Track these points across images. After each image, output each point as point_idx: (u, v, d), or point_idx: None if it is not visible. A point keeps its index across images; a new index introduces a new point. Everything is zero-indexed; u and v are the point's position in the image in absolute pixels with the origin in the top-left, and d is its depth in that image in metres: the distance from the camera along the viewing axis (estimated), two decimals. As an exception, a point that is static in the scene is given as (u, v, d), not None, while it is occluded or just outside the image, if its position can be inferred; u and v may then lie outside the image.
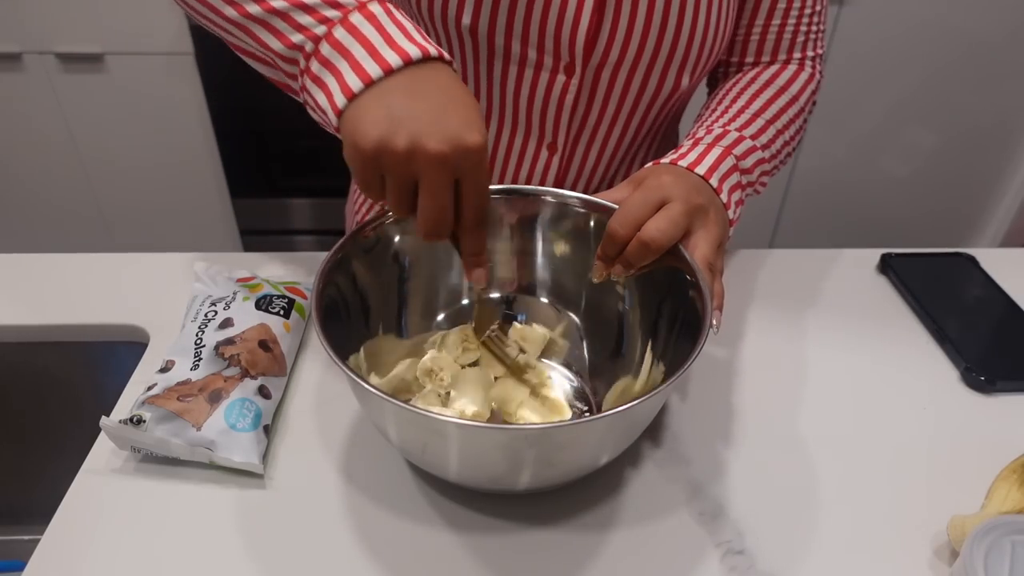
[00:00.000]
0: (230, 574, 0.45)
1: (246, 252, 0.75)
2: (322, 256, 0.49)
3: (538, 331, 0.59)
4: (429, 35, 0.62)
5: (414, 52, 0.43)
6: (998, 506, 0.48)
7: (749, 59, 0.69)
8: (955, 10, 1.51)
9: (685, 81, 0.64)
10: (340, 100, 0.42)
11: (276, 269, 0.69)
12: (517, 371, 0.55)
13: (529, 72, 0.62)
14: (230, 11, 0.47)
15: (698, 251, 0.50)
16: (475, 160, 0.42)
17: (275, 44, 0.46)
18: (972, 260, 0.74)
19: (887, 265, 0.73)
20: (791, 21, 0.67)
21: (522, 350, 0.56)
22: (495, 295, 0.60)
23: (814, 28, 0.69)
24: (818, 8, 0.68)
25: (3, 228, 1.68)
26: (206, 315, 0.57)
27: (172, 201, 1.65)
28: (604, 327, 0.58)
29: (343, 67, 0.43)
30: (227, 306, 0.58)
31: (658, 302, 0.53)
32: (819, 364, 0.62)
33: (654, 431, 0.55)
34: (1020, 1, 1.51)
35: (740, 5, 0.67)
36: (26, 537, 0.75)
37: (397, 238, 0.54)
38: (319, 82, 0.44)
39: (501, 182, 0.69)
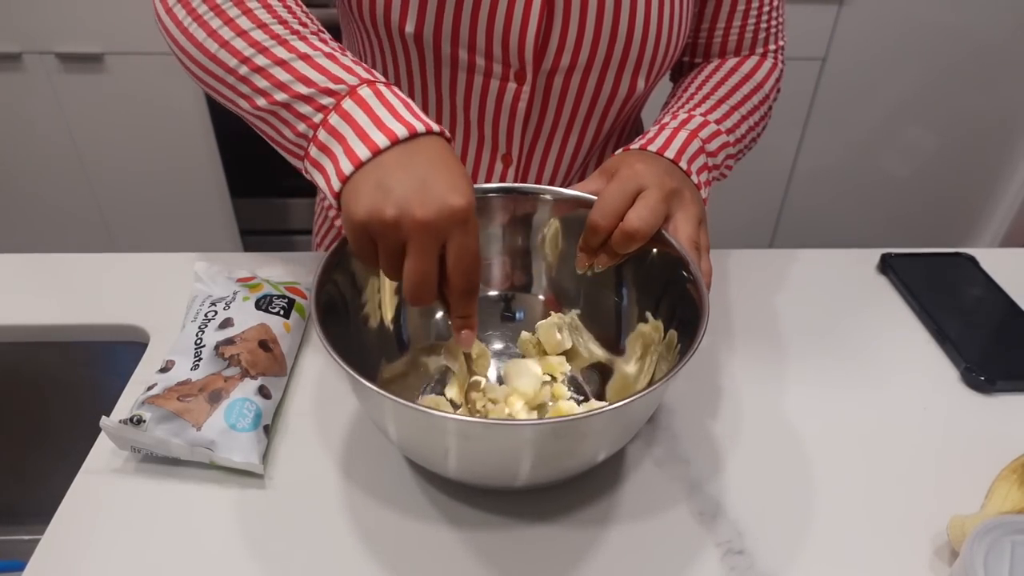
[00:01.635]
0: (230, 574, 0.45)
1: (246, 252, 0.75)
2: (322, 256, 0.49)
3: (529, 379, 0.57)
4: (373, 44, 0.62)
5: (400, 132, 0.44)
6: (998, 506, 0.48)
7: (712, 60, 0.70)
8: (955, 10, 1.51)
9: (640, 84, 0.64)
10: (336, 184, 0.45)
11: (276, 269, 0.69)
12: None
13: (479, 80, 0.61)
14: (244, 105, 0.50)
15: (681, 232, 0.51)
16: (460, 222, 0.43)
17: (286, 133, 0.48)
18: (972, 260, 0.74)
19: (887, 265, 0.73)
20: (751, 21, 0.68)
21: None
22: (493, 293, 0.60)
23: (773, 24, 0.70)
24: (775, 3, 0.69)
25: (3, 228, 1.68)
26: (206, 315, 0.57)
27: (172, 201, 1.65)
28: (602, 323, 0.58)
29: (337, 152, 0.45)
30: (227, 306, 0.58)
31: (655, 298, 0.53)
32: (819, 364, 0.62)
33: (653, 430, 0.55)
34: (1020, 1, 1.51)
35: (700, 9, 0.67)
36: (26, 537, 0.75)
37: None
38: (318, 166, 0.47)
39: None
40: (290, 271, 0.69)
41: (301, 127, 0.47)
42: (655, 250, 0.52)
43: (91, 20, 1.39)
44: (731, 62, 0.68)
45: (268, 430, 0.52)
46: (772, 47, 0.70)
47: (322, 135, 0.46)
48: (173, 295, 0.65)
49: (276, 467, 0.51)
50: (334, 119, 0.46)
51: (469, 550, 0.46)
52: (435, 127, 0.46)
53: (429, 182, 0.43)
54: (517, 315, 0.61)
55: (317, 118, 0.46)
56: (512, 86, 0.61)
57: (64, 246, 1.69)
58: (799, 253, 0.76)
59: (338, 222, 0.77)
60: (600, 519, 0.49)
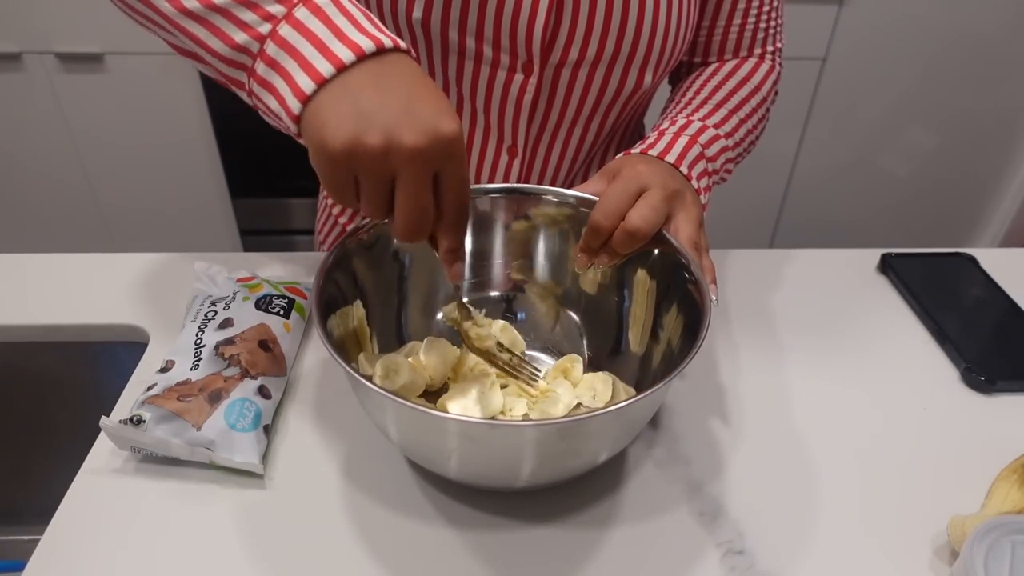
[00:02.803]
0: (230, 574, 0.45)
1: (246, 252, 0.75)
2: (322, 256, 0.49)
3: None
4: None
5: (367, 45, 0.39)
6: (998, 506, 0.48)
7: (712, 59, 0.71)
8: (955, 10, 1.51)
9: (648, 79, 0.63)
10: (294, 104, 0.39)
11: (276, 269, 0.69)
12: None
13: (486, 70, 0.61)
14: (166, 6, 0.43)
15: (682, 233, 0.51)
16: (453, 149, 0.39)
17: (216, 44, 0.42)
18: (972, 260, 0.74)
19: (887, 265, 0.73)
20: (750, 21, 0.68)
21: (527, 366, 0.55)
22: (495, 293, 0.60)
23: (772, 24, 0.70)
24: (774, 4, 0.69)
25: (3, 228, 1.68)
26: (206, 315, 0.57)
27: (172, 201, 1.65)
28: (604, 324, 0.58)
29: (292, 67, 0.40)
30: (227, 306, 0.58)
31: (657, 298, 0.53)
32: (819, 364, 0.62)
33: (653, 431, 0.55)
34: (1020, 1, 1.51)
35: (701, 7, 0.67)
36: (26, 537, 0.75)
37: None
38: (267, 85, 0.41)
39: None
40: (290, 271, 0.69)
41: (241, 37, 0.41)
42: (656, 250, 0.52)
43: (91, 20, 1.39)
44: (729, 65, 0.69)
45: (268, 430, 0.52)
46: (771, 48, 0.71)
47: (271, 48, 0.40)
48: (173, 295, 0.65)
49: (276, 467, 0.51)
50: (285, 30, 0.40)
51: (469, 551, 0.46)
52: (401, 43, 0.41)
53: (414, 105, 0.38)
54: (519, 315, 0.61)
55: (263, 28, 0.41)
56: (519, 77, 0.61)
57: (64, 246, 1.69)
58: (799, 253, 0.76)
59: (342, 219, 0.77)
60: (601, 519, 0.49)
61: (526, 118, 0.64)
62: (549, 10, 0.57)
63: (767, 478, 0.52)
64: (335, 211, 0.77)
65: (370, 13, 0.42)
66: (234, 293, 0.59)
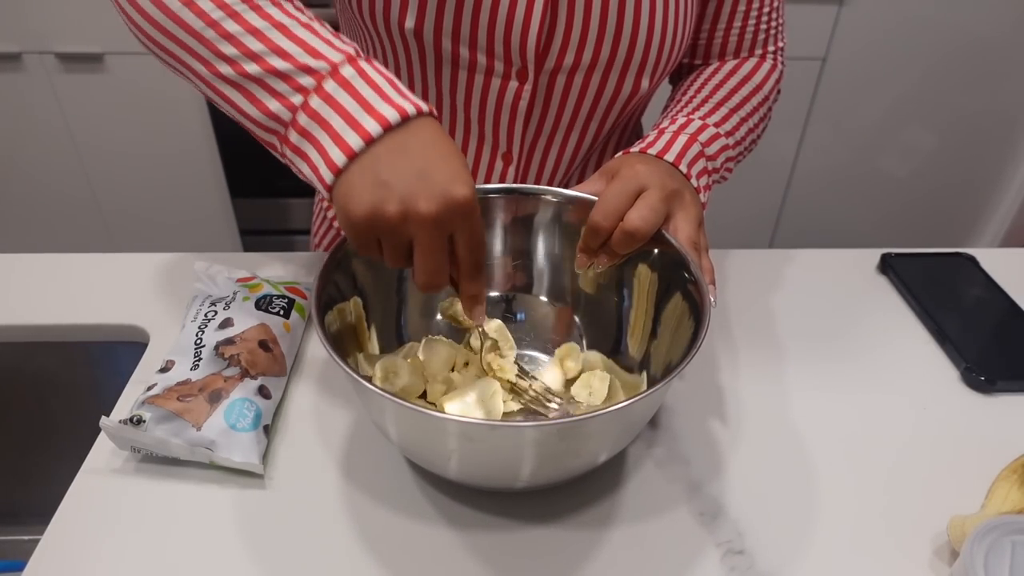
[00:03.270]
0: (230, 574, 0.45)
1: (246, 252, 0.75)
2: (322, 256, 0.49)
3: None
4: (373, 40, 0.61)
5: (392, 116, 0.42)
6: (998, 506, 0.48)
7: (712, 61, 0.70)
8: (955, 10, 1.51)
9: (644, 84, 0.63)
10: (327, 176, 0.42)
11: (276, 269, 0.69)
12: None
13: (480, 78, 0.61)
14: (202, 69, 0.46)
15: (681, 233, 0.51)
16: (466, 213, 0.42)
17: (251, 111, 0.45)
18: (972, 260, 0.74)
19: (887, 265, 0.73)
20: (751, 23, 0.68)
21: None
22: (494, 294, 0.60)
23: (773, 25, 0.69)
24: (775, 4, 0.69)
25: (3, 228, 1.68)
26: (206, 315, 0.57)
27: (172, 201, 1.65)
28: (603, 324, 0.58)
29: (324, 140, 0.42)
30: (227, 306, 0.58)
31: (657, 298, 0.53)
32: (819, 364, 0.62)
33: (653, 431, 0.55)
34: (1020, 0, 1.51)
35: (700, 10, 0.67)
36: (26, 537, 0.75)
37: None
38: (300, 153, 0.44)
39: None
40: (290, 271, 0.69)
41: (274, 106, 0.44)
42: (655, 250, 0.52)
43: (91, 20, 1.39)
44: (730, 64, 0.68)
45: (268, 430, 0.52)
46: (772, 48, 0.70)
47: (303, 119, 0.43)
48: (173, 295, 0.65)
49: (276, 467, 0.51)
50: (315, 103, 0.43)
51: (469, 551, 0.46)
52: (424, 107, 0.43)
53: (429, 173, 0.41)
54: (518, 316, 0.61)
55: (296, 99, 0.43)
56: (514, 84, 0.61)
57: (64, 246, 1.69)
58: (799, 253, 0.75)
59: (337, 222, 0.77)
60: (601, 520, 0.49)
61: (521, 125, 0.64)
62: (543, 16, 0.57)
63: (767, 478, 0.52)
64: (330, 214, 0.77)
65: (394, 78, 0.45)
66: (234, 293, 0.59)
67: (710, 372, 0.61)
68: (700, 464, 0.53)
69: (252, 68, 0.44)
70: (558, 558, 0.46)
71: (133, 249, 0.71)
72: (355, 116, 0.42)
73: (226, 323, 0.56)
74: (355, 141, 0.42)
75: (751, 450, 0.54)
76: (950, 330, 0.64)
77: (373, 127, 0.42)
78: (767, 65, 0.69)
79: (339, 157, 0.42)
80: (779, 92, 0.71)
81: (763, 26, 0.68)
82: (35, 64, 1.44)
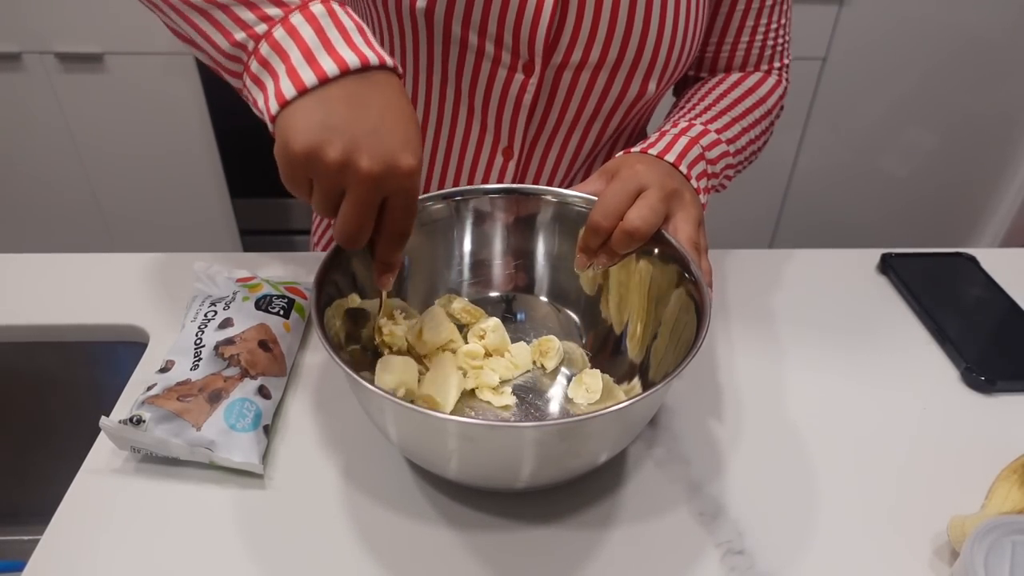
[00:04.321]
0: (230, 574, 0.45)
1: (246, 252, 0.75)
2: (322, 256, 0.49)
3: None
4: (382, 20, 0.61)
5: (352, 60, 0.41)
6: (998, 506, 0.48)
7: (719, 75, 0.70)
8: (955, 10, 1.51)
9: (651, 88, 0.63)
10: (273, 106, 0.41)
11: (276, 269, 0.69)
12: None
13: (486, 67, 0.60)
14: None
15: (681, 233, 0.51)
16: (406, 182, 0.41)
17: (218, 39, 0.44)
18: (972, 260, 0.74)
19: (887, 265, 0.73)
20: (758, 38, 0.68)
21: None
22: (495, 294, 0.60)
23: (780, 41, 0.69)
24: (783, 21, 0.68)
25: (3, 228, 1.68)
26: (206, 315, 0.57)
27: (172, 201, 1.65)
28: (603, 325, 0.58)
29: (280, 70, 0.42)
30: (227, 306, 0.58)
31: (656, 299, 0.53)
32: (819, 364, 0.62)
33: (654, 430, 0.55)
34: (1020, 0, 1.51)
35: (709, 24, 0.67)
36: (26, 537, 0.75)
37: None
38: (258, 82, 0.43)
39: (456, 186, 0.66)
40: (290, 271, 0.69)
41: (239, 35, 0.43)
42: (655, 250, 0.52)
43: (91, 20, 1.39)
44: (735, 76, 0.68)
45: (268, 430, 0.52)
46: (777, 64, 0.70)
47: (264, 49, 0.42)
48: (173, 295, 0.65)
49: (276, 467, 0.51)
50: (279, 33, 0.42)
51: (469, 551, 0.46)
52: (388, 60, 0.42)
53: (380, 132, 0.40)
54: (518, 316, 0.61)
55: (260, 28, 0.42)
56: (519, 77, 0.61)
57: (64, 246, 1.69)
58: (799, 253, 0.75)
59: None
60: (601, 520, 0.49)
61: (524, 119, 0.63)
62: (554, 10, 0.57)
63: (767, 478, 0.52)
64: None
65: (364, 27, 0.43)
66: (234, 293, 0.59)
67: (710, 372, 0.61)
68: (700, 464, 0.53)
69: None
70: (558, 558, 0.46)
71: (133, 249, 0.71)
72: (314, 52, 0.41)
73: (226, 323, 0.56)
74: (309, 77, 0.41)
75: (751, 450, 0.54)
76: (950, 330, 0.64)
77: (330, 67, 0.41)
78: (772, 80, 0.69)
79: (289, 89, 0.41)
80: (782, 108, 0.71)
81: (770, 42, 0.68)
82: (35, 64, 1.44)
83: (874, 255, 0.75)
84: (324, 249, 0.78)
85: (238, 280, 0.62)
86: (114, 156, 1.57)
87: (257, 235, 1.76)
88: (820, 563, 0.46)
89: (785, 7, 0.68)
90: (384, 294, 0.52)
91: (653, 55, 0.60)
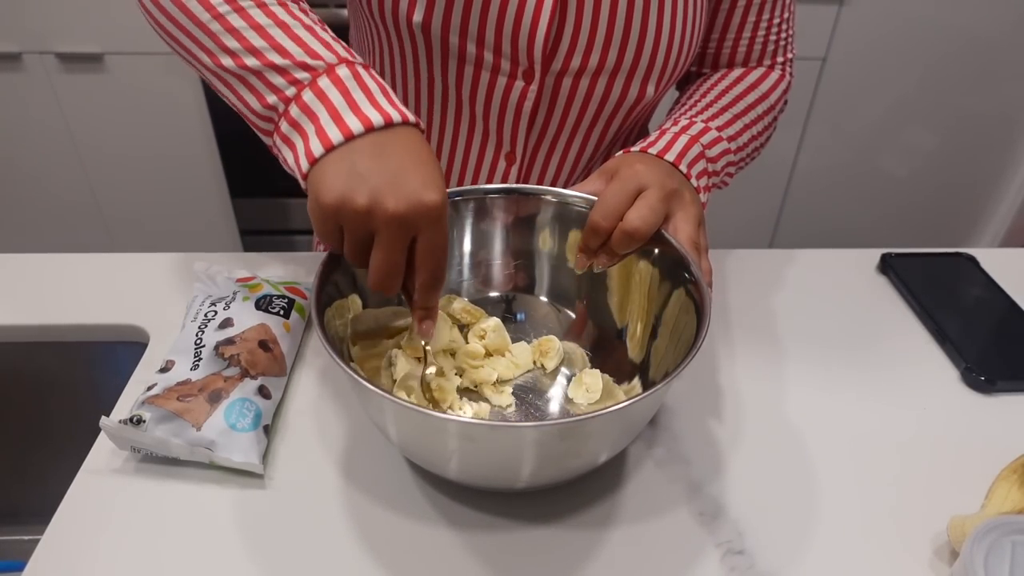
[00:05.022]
0: (230, 574, 0.45)
1: (246, 252, 0.75)
2: (322, 256, 0.49)
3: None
4: (380, 34, 0.62)
5: (376, 119, 0.43)
6: (998, 506, 0.48)
7: (721, 70, 0.70)
8: (955, 10, 1.51)
9: (651, 90, 0.63)
10: (304, 164, 0.44)
11: (276, 269, 0.69)
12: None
13: (486, 76, 0.61)
14: (206, 60, 0.48)
15: (681, 232, 0.51)
16: (432, 219, 0.43)
17: (252, 102, 0.47)
18: (972, 260, 0.74)
19: (887, 265, 0.73)
20: (760, 33, 0.67)
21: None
22: (495, 294, 0.60)
23: (783, 36, 0.69)
24: (786, 16, 0.68)
25: (3, 228, 1.68)
26: (206, 315, 0.57)
27: (172, 201, 1.65)
28: (603, 325, 0.58)
29: (309, 130, 0.44)
30: (227, 306, 0.58)
31: (656, 299, 0.53)
32: (819, 364, 0.62)
33: (654, 430, 0.55)
34: (1020, 0, 1.51)
35: (711, 20, 0.66)
36: (26, 537, 0.75)
37: None
38: (288, 142, 0.45)
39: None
40: (290, 271, 0.69)
41: (271, 99, 0.46)
42: (656, 250, 0.52)
43: (91, 20, 1.39)
44: (737, 71, 0.68)
45: (268, 430, 0.52)
46: (781, 59, 0.70)
47: (294, 111, 0.45)
48: (173, 295, 0.65)
49: (276, 467, 0.51)
50: (308, 96, 0.45)
51: (469, 551, 0.46)
52: (411, 117, 0.45)
53: (403, 175, 0.42)
54: (518, 316, 0.61)
55: (290, 92, 0.45)
56: (519, 84, 0.61)
57: (64, 246, 1.69)
58: (799, 253, 0.76)
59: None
60: (601, 520, 0.49)
61: (525, 125, 0.63)
62: (552, 17, 0.57)
63: (767, 478, 0.52)
64: None
65: (387, 88, 0.46)
66: (234, 293, 0.59)
67: (710, 372, 0.61)
68: (700, 464, 0.53)
69: (252, 62, 0.46)
70: (558, 558, 0.46)
71: (133, 249, 0.71)
72: (341, 112, 0.44)
73: (226, 323, 0.56)
74: (335, 135, 0.43)
75: (751, 450, 0.54)
76: (950, 330, 0.64)
77: (355, 125, 0.43)
78: (775, 75, 0.69)
79: (318, 148, 0.43)
80: (786, 103, 0.70)
81: (772, 37, 0.68)
82: (35, 64, 1.44)
83: (874, 255, 0.75)
84: (325, 249, 0.78)
85: (238, 280, 0.62)
86: (114, 156, 1.57)
87: (257, 235, 1.76)
88: (820, 563, 0.46)
89: (788, 1, 0.67)
90: (426, 349, 0.52)
91: (652, 58, 0.60)
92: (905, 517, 0.49)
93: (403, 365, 0.53)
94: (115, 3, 1.37)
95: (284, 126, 0.46)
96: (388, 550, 0.46)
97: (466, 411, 0.53)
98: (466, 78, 0.61)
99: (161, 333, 0.61)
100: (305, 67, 0.45)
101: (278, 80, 0.45)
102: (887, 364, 0.62)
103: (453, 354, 0.56)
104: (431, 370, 0.53)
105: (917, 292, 0.69)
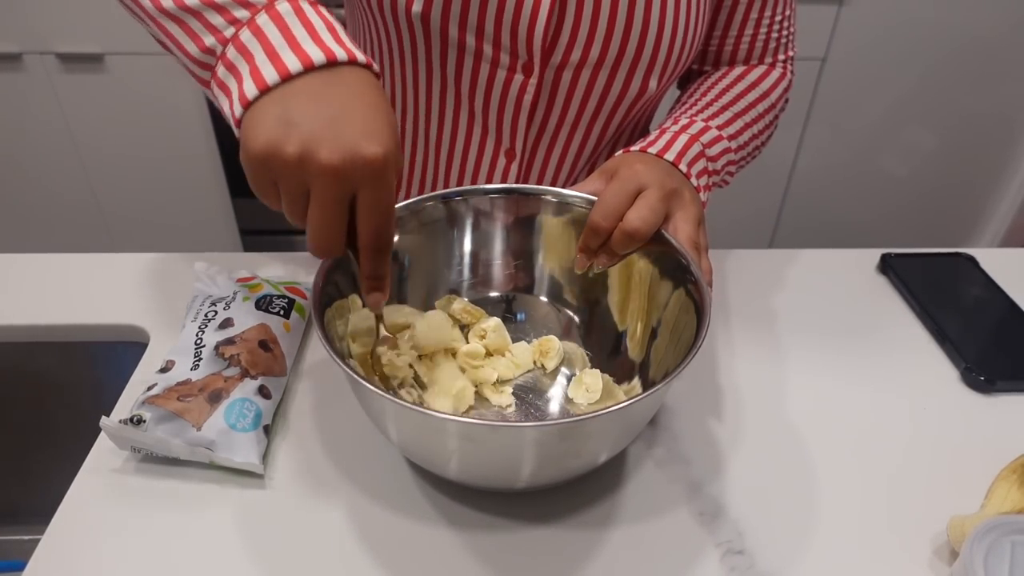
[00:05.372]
0: (230, 574, 0.45)
1: (246, 252, 0.75)
2: (322, 256, 0.49)
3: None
4: (379, 25, 0.60)
5: (317, 56, 0.39)
6: (998, 506, 0.48)
7: (722, 68, 0.70)
8: (955, 10, 1.51)
9: (652, 85, 0.63)
10: (238, 109, 0.39)
11: (276, 269, 0.69)
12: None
13: (485, 69, 0.60)
14: (147, 3, 0.44)
15: (681, 232, 0.51)
16: (373, 174, 0.38)
17: (190, 47, 0.43)
18: (972, 260, 0.74)
19: (887, 265, 0.73)
20: (762, 31, 0.67)
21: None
22: (494, 294, 0.60)
23: (784, 34, 0.69)
24: (787, 13, 0.68)
25: (3, 228, 1.68)
26: (206, 315, 0.57)
27: (172, 201, 1.65)
28: (603, 325, 0.58)
29: (243, 72, 0.40)
30: (227, 306, 0.58)
31: (656, 299, 0.53)
32: (819, 364, 0.62)
33: (654, 430, 0.55)
34: (1020, 1, 1.51)
35: (712, 18, 0.66)
36: (26, 537, 0.75)
37: (396, 237, 0.54)
38: (224, 88, 0.41)
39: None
40: (290, 271, 0.69)
41: (209, 40, 0.42)
42: (656, 250, 0.52)
43: (91, 20, 1.39)
44: (738, 70, 0.68)
45: (268, 430, 0.52)
46: (782, 57, 0.70)
47: (231, 52, 0.41)
48: (173, 295, 0.65)
49: (276, 467, 0.51)
50: (245, 35, 0.40)
51: (469, 551, 0.46)
52: (360, 57, 0.40)
53: (343, 121, 0.38)
54: (519, 316, 0.61)
55: (228, 32, 0.41)
56: (519, 78, 0.60)
57: (64, 246, 1.69)
58: (799, 253, 0.76)
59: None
60: (601, 520, 0.49)
61: (525, 120, 0.63)
62: (551, 10, 0.56)
63: (767, 478, 0.52)
64: None
65: (335, 24, 0.41)
66: (234, 293, 0.59)
67: (710, 372, 0.61)
68: (700, 464, 0.53)
69: (191, 1, 0.42)
70: (558, 558, 0.46)
71: (133, 249, 0.71)
72: (278, 50, 0.39)
73: (226, 323, 0.56)
74: (271, 75, 0.39)
75: (751, 450, 0.54)
76: (950, 330, 0.64)
77: (293, 63, 0.39)
78: (776, 73, 0.69)
79: (251, 90, 0.39)
80: (787, 101, 0.70)
81: (774, 35, 0.68)
82: (35, 64, 1.44)
83: (874, 255, 0.75)
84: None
85: (238, 280, 0.62)
86: (114, 156, 1.57)
87: (257, 235, 1.76)
88: (820, 563, 0.47)
89: None
90: (376, 317, 0.49)
91: (653, 52, 0.60)
92: (905, 517, 0.49)
93: (356, 319, 0.51)
94: (115, 3, 1.37)
95: (220, 70, 0.41)
96: (388, 550, 0.46)
97: (412, 395, 0.53)
98: (465, 71, 0.61)
99: (161, 333, 0.61)
100: (245, 4, 0.41)
101: (217, 19, 0.41)
102: (887, 364, 0.62)
103: (454, 354, 0.56)
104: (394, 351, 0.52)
105: (917, 292, 0.69)
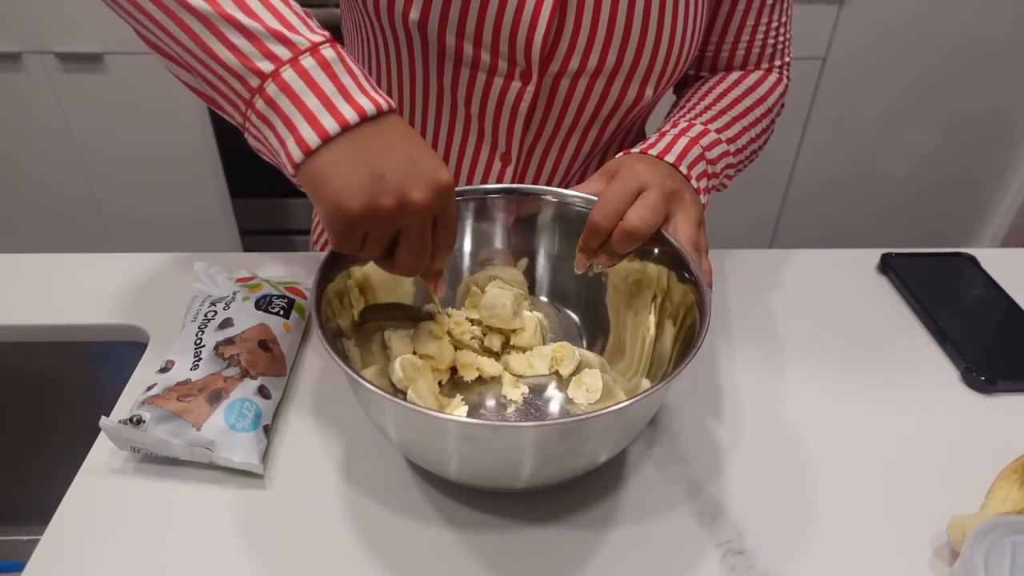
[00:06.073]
0: (230, 574, 0.45)
1: (246, 252, 0.75)
2: (322, 256, 0.49)
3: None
4: (376, 33, 0.61)
5: (369, 107, 0.41)
6: (998, 506, 0.48)
7: (719, 73, 0.70)
8: (955, 10, 1.51)
9: (648, 93, 0.63)
10: (296, 153, 0.41)
11: (276, 269, 0.69)
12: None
13: (482, 76, 0.60)
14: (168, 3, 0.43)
15: (681, 233, 0.51)
16: (449, 196, 0.43)
17: (225, 55, 0.41)
18: (972, 260, 0.74)
19: (887, 265, 0.73)
20: (759, 37, 0.67)
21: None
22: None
23: (780, 40, 0.69)
24: (783, 20, 0.68)
25: (3, 228, 1.68)
26: (206, 315, 0.57)
27: (172, 201, 1.65)
28: (604, 325, 0.58)
29: (296, 118, 0.41)
30: (227, 306, 0.58)
31: (657, 299, 0.53)
32: (819, 364, 0.62)
33: (654, 430, 0.55)
34: (1020, 1, 1.51)
35: (709, 23, 0.66)
36: (26, 537, 0.75)
37: None
38: (267, 122, 0.42)
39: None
40: (290, 271, 0.69)
41: (245, 63, 0.41)
42: (656, 250, 0.52)
43: (91, 20, 1.39)
44: (735, 75, 0.68)
45: (268, 430, 0.52)
46: (778, 62, 0.70)
47: (272, 89, 0.41)
48: (173, 295, 0.65)
49: (276, 467, 0.51)
50: (289, 75, 0.41)
51: (469, 551, 0.46)
52: (393, 103, 0.43)
53: (416, 162, 0.42)
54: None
55: (264, 65, 0.41)
56: (516, 85, 0.60)
57: (64, 246, 1.69)
58: (799, 253, 0.75)
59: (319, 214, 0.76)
60: (601, 520, 0.49)
61: (521, 126, 0.63)
62: (551, 18, 0.56)
63: (767, 478, 0.52)
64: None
65: (365, 72, 0.44)
66: (234, 293, 0.59)
67: (710, 372, 0.61)
68: (700, 464, 0.53)
69: (229, 8, 0.41)
70: (558, 558, 0.46)
71: (133, 249, 0.71)
72: (333, 100, 0.41)
73: (226, 323, 0.56)
74: (331, 125, 0.40)
75: (751, 450, 0.54)
76: (950, 330, 0.64)
77: (350, 114, 0.41)
78: (772, 78, 0.69)
79: (312, 138, 0.40)
80: (783, 106, 0.71)
81: (771, 41, 0.68)
82: (35, 64, 1.44)
83: (874, 255, 0.75)
84: (324, 249, 0.78)
85: (238, 280, 0.62)
86: (114, 156, 1.57)
87: (257, 235, 1.76)
88: (820, 563, 0.46)
89: (785, 5, 0.68)
90: (437, 299, 0.54)
91: (651, 61, 0.60)
92: (905, 517, 0.49)
93: (399, 346, 0.53)
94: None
95: (259, 103, 0.41)
96: (388, 550, 0.46)
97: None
98: (462, 78, 0.61)
99: (161, 333, 0.61)
100: (284, 41, 0.41)
101: (249, 49, 0.41)
102: (887, 364, 0.62)
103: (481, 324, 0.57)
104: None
105: (917, 292, 0.69)
